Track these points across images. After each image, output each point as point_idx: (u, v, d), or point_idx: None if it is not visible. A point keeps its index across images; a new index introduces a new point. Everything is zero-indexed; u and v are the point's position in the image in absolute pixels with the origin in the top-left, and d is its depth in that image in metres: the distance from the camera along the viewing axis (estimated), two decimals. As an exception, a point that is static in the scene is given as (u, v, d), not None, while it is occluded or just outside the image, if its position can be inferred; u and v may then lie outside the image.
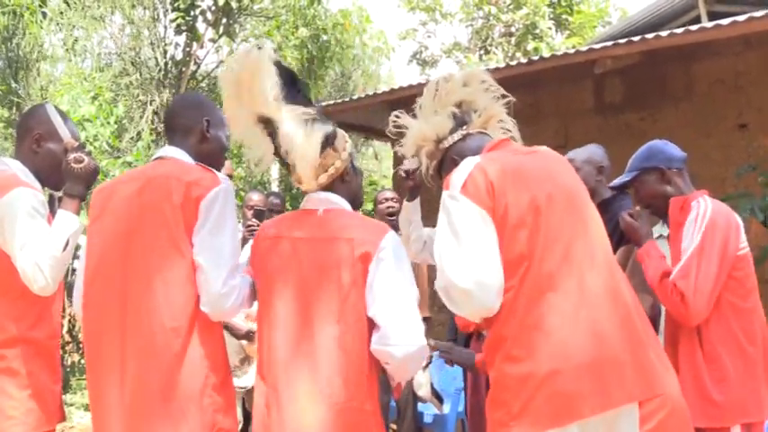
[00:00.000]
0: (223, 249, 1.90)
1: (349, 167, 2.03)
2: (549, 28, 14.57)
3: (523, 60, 6.01)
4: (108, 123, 7.43)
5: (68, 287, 3.40)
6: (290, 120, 1.91)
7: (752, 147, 5.12)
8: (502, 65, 6.23)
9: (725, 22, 4.68)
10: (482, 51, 15.64)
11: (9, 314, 2.07)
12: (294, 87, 1.97)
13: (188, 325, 1.87)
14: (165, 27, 9.96)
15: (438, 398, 4.15)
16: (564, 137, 5.92)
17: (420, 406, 4.27)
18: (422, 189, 2.63)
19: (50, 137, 2.22)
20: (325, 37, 11.48)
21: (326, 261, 1.87)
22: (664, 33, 4.98)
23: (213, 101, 2.26)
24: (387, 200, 4.38)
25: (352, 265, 1.84)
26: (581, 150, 2.91)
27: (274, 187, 11.05)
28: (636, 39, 5.03)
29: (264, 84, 1.89)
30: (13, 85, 8.09)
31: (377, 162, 14.21)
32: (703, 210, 2.25)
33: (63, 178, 2.16)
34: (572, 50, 5.69)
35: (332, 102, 7.18)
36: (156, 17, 9.93)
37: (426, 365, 4.01)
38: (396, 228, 3.06)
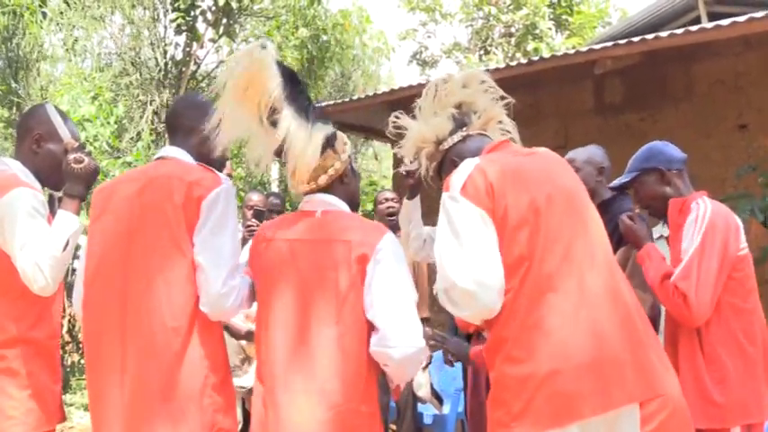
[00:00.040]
0: (223, 249, 1.90)
1: (348, 169, 2.04)
2: (549, 28, 14.57)
3: (523, 61, 6.01)
4: (108, 123, 7.43)
5: (68, 287, 3.40)
6: (292, 119, 1.91)
7: (752, 147, 5.13)
8: (502, 65, 6.23)
9: (725, 22, 4.68)
10: (482, 52, 15.64)
11: (9, 314, 2.07)
12: (296, 87, 1.97)
13: (188, 324, 1.87)
14: (165, 27, 9.97)
15: (438, 398, 4.15)
16: (564, 137, 5.92)
17: (420, 406, 4.27)
18: (422, 187, 2.63)
19: (50, 137, 2.22)
20: (325, 37, 11.48)
21: (324, 263, 1.87)
22: (664, 34, 4.99)
23: (213, 101, 2.26)
24: (387, 200, 4.39)
25: (349, 266, 1.84)
26: (581, 151, 2.91)
27: (274, 188, 11.05)
28: (636, 39, 5.03)
29: (269, 82, 1.89)
30: (13, 85, 8.09)
31: (377, 162, 14.21)
32: (703, 211, 2.25)
33: (63, 178, 2.16)
34: (572, 51, 5.69)
35: (332, 102, 7.18)
36: (156, 17, 9.93)
37: (426, 366, 4.01)
38: (396, 228, 3.06)
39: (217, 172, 2.00)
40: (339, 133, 2.04)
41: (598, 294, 1.71)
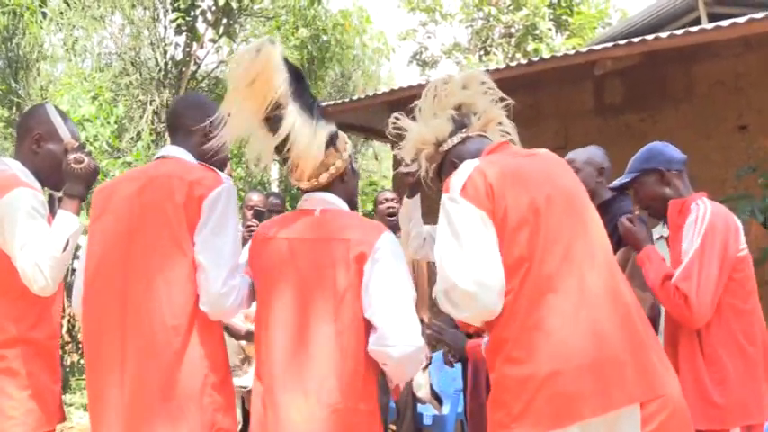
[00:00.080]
0: (224, 249, 1.90)
1: (348, 168, 2.04)
2: (549, 29, 14.56)
3: (523, 61, 6.01)
4: (108, 123, 7.43)
5: (68, 287, 3.40)
6: (298, 115, 1.92)
7: (752, 148, 5.13)
8: (502, 66, 6.23)
9: (725, 23, 4.68)
10: (482, 52, 15.64)
11: (9, 314, 2.08)
12: (301, 85, 1.97)
13: (188, 323, 1.87)
14: (165, 27, 9.97)
15: (437, 399, 4.16)
16: (564, 138, 5.93)
17: (419, 407, 4.28)
18: (422, 186, 2.63)
19: (50, 137, 2.22)
20: (325, 37, 11.48)
21: (323, 262, 1.87)
22: (664, 35, 4.99)
23: (214, 101, 2.26)
24: (387, 200, 4.39)
25: (347, 265, 1.85)
26: (581, 151, 2.91)
27: (274, 188, 11.05)
28: (636, 40, 5.03)
29: (276, 76, 1.90)
30: (13, 85, 8.09)
31: (377, 163, 14.21)
32: (702, 212, 2.25)
33: (63, 178, 2.16)
34: (572, 52, 5.69)
35: (332, 102, 7.18)
36: (156, 17, 9.93)
37: (426, 367, 4.02)
38: (396, 228, 3.06)
39: (218, 171, 2.00)
40: (340, 132, 2.04)
41: (598, 295, 1.71)
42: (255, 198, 4.20)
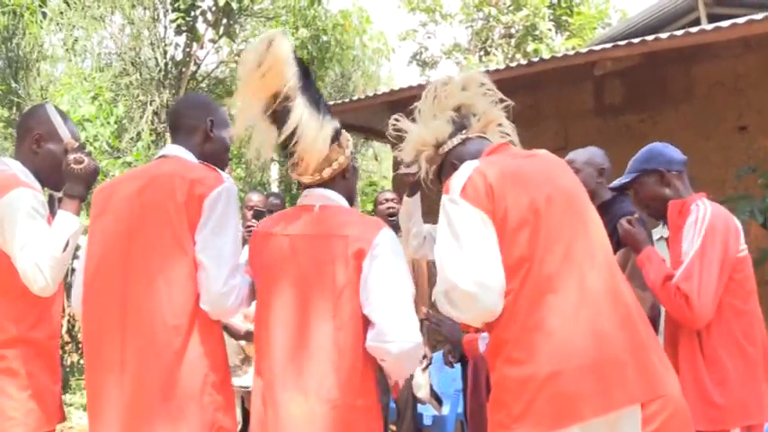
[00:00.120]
0: (225, 248, 1.90)
1: (350, 165, 2.05)
2: (549, 29, 14.56)
3: (523, 62, 6.01)
4: (108, 123, 7.43)
5: (68, 287, 3.41)
6: (305, 109, 1.93)
7: (752, 149, 5.13)
8: (502, 66, 6.23)
9: (725, 24, 4.68)
10: (482, 53, 15.63)
11: (9, 315, 2.08)
12: (308, 79, 1.98)
13: (188, 323, 1.87)
14: (166, 27, 9.97)
15: (437, 399, 4.16)
16: (564, 138, 5.93)
17: (419, 407, 4.28)
18: (422, 186, 2.63)
19: (50, 137, 2.22)
20: (325, 38, 11.48)
21: (322, 258, 1.87)
22: (664, 35, 4.99)
23: (214, 101, 2.27)
24: (387, 200, 4.40)
25: (346, 262, 1.85)
26: (581, 152, 2.91)
27: (274, 188, 11.06)
28: (636, 41, 5.04)
29: (287, 69, 1.91)
30: (13, 85, 8.09)
31: (377, 163, 14.21)
32: (703, 213, 2.25)
33: (63, 179, 2.16)
34: (572, 52, 5.69)
35: (332, 102, 7.18)
36: (156, 17, 9.93)
37: (426, 367, 4.02)
38: (397, 228, 3.06)
39: (219, 170, 2.00)
40: (343, 130, 2.06)
41: (598, 295, 1.71)
42: (255, 198, 4.20)
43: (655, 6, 7.85)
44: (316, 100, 1.97)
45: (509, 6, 15.05)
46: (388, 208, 4.31)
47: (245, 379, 3.51)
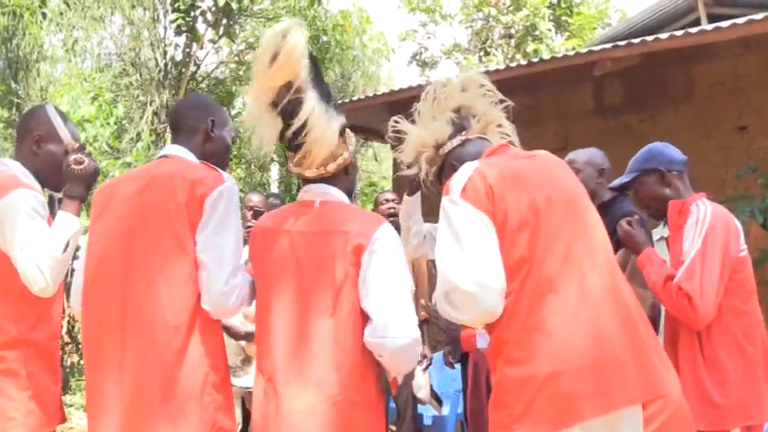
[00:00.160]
0: (226, 248, 1.91)
1: (353, 161, 2.06)
2: (549, 29, 14.55)
3: (523, 62, 6.01)
4: (108, 124, 7.43)
5: (68, 288, 3.42)
6: (316, 102, 1.93)
7: (752, 149, 5.13)
8: (501, 66, 6.24)
9: (724, 24, 4.68)
10: (482, 53, 15.63)
11: (9, 315, 2.08)
12: (318, 73, 1.98)
13: (189, 323, 1.87)
14: (165, 28, 9.96)
15: (437, 400, 4.16)
16: (564, 139, 5.93)
17: (419, 408, 4.28)
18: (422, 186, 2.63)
19: (51, 138, 2.22)
20: (325, 38, 11.47)
21: (322, 254, 1.88)
22: (663, 35, 4.99)
23: (215, 101, 2.27)
24: (388, 201, 4.41)
25: (345, 257, 1.85)
26: (581, 152, 2.92)
27: (274, 188, 11.05)
28: (636, 41, 5.04)
29: (301, 61, 1.91)
30: (13, 85, 8.09)
31: (376, 163, 14.20)
32: (703, 213, 2.25)
33: (63, 179, 2.16)
34: (572, 52, 5.70)
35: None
36: (156, 18, 9.92)
37: (426, 367, 4.02)
38: (397, 229, 3.06)
39: (220, 170, 2.00)
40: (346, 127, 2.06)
41: (599, 295, 1.71)
42: (255, 199, 4.20)
43: (654, 6, 7.85)
44: (326, 94, 1.98)
45: (509, 7, 15.05)
46: (389, 208, 4.32)
47: (245, 379, 3.51)
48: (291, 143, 1.97)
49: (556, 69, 5.49)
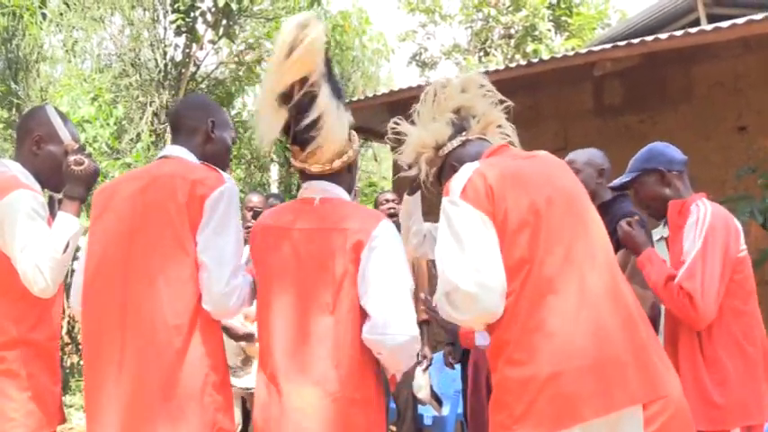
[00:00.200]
0: (227, 249, 1.91)
1: (356, 159, 2.06)
2: (549, 30, 14.56)
3: (523, 62, 6.01)
4: (107, 125, 7.43)
5: (68, 289, 3.42)
6: (330, 98, 1.92)
7: (751, 149, 5.13)
8: (501, 67, 6.24)
9: (724, 24, 4.68)
10: (481, 53, 15.64)
11: (9, 316, 2.08)
12: (330, 69, 1.98)
13: (190, 323, 1.87)
14: (165, 28, 9.95)
15: (437, 400, 4.16)
16: (563, 139, 5.93)
17: (420, 408, 4.28)
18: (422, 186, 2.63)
19: (51, 139, 2.22)
20: (324, 38, 11.46)
21: (322, 251, 1.87)
22: (663, 36, 4.99)
23: (215, 102, 2.27)
24: (388, 201, 4.42)
25: (345, 254, 1.85)
26: (581, 152, 2.92)
27: (274, 189, 11.05)
28: (635, 41, 5.04)
29: (319, 54, 1.89)
30: (13, 86, 8.08)
31: (376, 164, 14.20)
32: (703, 213, 2.25)
33: (63, 180, 2.16)
34: (571, 53, 5.70)
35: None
36: (155, 18, 9.92)
37: (426, 368, 4.02)
38: (398, 229, 3.07)
39: (220, 171, 2.00)
40: None
41: (599, 295, 1.71)
42: (255, 199, 4.21)
43: (654, 7, 7.85)
44: (337, 90, 1.98)
45: (508, 7, 15.05)
46: (389, 209, 4.32)
47: (245, 380, 3.51)
48: (300, 137, 1.95)
49: (555, 70, 5.49)
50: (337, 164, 1.98)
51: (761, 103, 5.10)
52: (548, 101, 6.15)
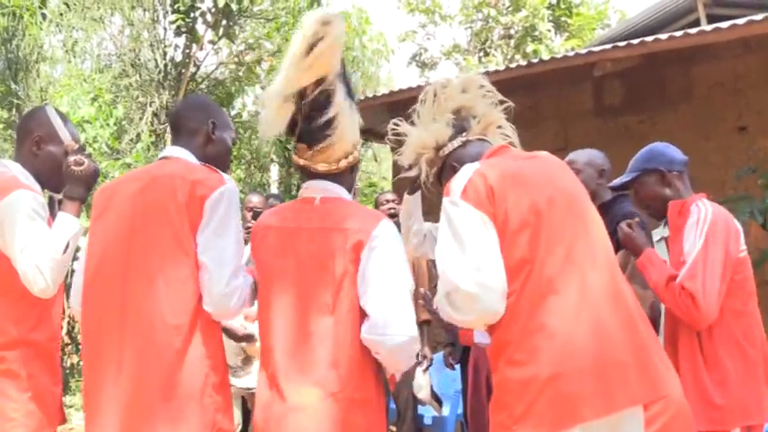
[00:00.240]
0: (227, 250, 1.91)
1: (359, 161, 2.06)
2: (549, 30, 14.57)
3: (523, 63, 6.01)
4: (107, 125, 7.43)
5: (68, 289, 3.42)
6: (345, 97, 1.93)
7: (751, 149, 5.13)
8: (501, 67, 6.24)
9: (724, 25, 4.69)
10: (481, 53, 15.65)
11: (9, 316, 2.08)
12: (344, 68, 1.98)
13: (190, 323, 1.87)
14: (165, 29, 9.95)
15: (437, 400, 4.16)
16: (564, 139, 5.93)
17: (420, 408, 4.28)
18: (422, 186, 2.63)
19: (51, 139, 2.22)
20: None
21: (322, 251, 1.87)
22: (663, 36, 4.99)
23: (215, 103, 2.26)
24: (388, 201, 4.42)
25: (345, 254, 1.85)
26: (581, 153, 2.92)
27: (274, 189, 11.05)
28: (635, 41, 5.04)
29: (337, 55, 1.90)
30: (13, 86, 8.08)
31: (376, 164, 14.20)
32: (704, 213, 2.25)
33: (63, 181, 2.16)
34: (571, 53, 5.70)
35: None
36: (155, 19, 9.92)
37: (426, 368, 4.02)
38: (398, 229, 3.07)
39: (220, 172, 2.00)
40: None
41: (599, 296, 1.71)
42: (255, 199, 4.21)
43: (654, 7, 7.86)
44: (350, 89, 1.98)
45: (508, 7, 15.06)
46: (389, 209, 4.33)
47: (245, 379, 3.51)
48: (310, 135, 1.94)
49: (555, 70, 5.49)
50: (344, 164, 1.99)
51: (761, 103, 5.10)
52: (548, 101, 6.15)
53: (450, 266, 1.73)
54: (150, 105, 9.53)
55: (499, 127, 2.08)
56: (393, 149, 2.28)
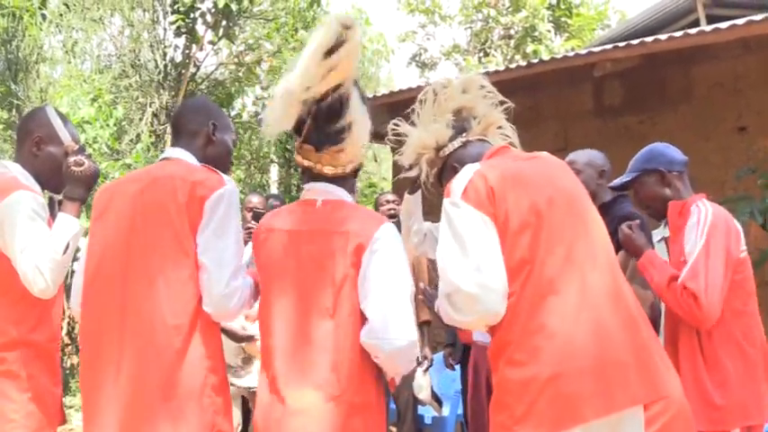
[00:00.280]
0: (227, 251, 1.91)
1: (362, 164, 2.07)
2: (549, 30, 14.57)
3: (523, 63, 6.02)
4: (107, 125, 7.43)
5: (68, 290, 3.42)
6: (359, 102, 1.93)
7: (751, 150, 5.13)
8: (501, 68, 6.24)
9: (724, 25, 4.69)
10: (481, 54, 15.64)
11: (9, 317, 2.08)
12: (356, 75, 1.98)
13: (189, 323, 1.87)
14: (165, 29, 9.96)
15: (437, 401, 4.17)
16: (564, 140, 5.93)
17: (420, 408, 4.28)
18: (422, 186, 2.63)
19: (51, 140, 2.22)
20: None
21: (323, 254, 1.87)
22: (663, 37, 5.00)
23: (216, 104, 2.26)
24: (388, 202, 4.42)
25: (346, 257, 1.85)
26: (582, 153, 2.92)
27: (274, 189, 11.05)
28: (635, 42, 5.04)
29: (357, 58, 1.89)
30: (13, 87, 8.09)
31: (376, 164, 14.21)
32: (704, 214, 2.25)
33: (63, 181, 2.16)
34: (571, 53, 5.70)
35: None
36: (155, 19, 9.92)
37: (427, 369, 4.03)
38: (398, 230, 3.07)
39: (221, 173, 2.00)
40: None
41: (600, 296, 1.71)
42: (255, 200, 4.21)
43: (654, 8, 7.86)
44: (363, 95, 1.99)
45: (508, 8, 15.06)
46: (390, 210, 4.33)
47: (246, 379, 3.51)
48: (321, 138, 1.93)
49: (555, 70, 5.49)
50: (350, 167, 1.99)
51: (761, 103, 5.10)
52: (548, 102, 6.16)
53: (450, 267, 1.73)
54: (150, 106, 9.54)
55: (499, 127, 2.08)
56: (393, 150, 2.27)
